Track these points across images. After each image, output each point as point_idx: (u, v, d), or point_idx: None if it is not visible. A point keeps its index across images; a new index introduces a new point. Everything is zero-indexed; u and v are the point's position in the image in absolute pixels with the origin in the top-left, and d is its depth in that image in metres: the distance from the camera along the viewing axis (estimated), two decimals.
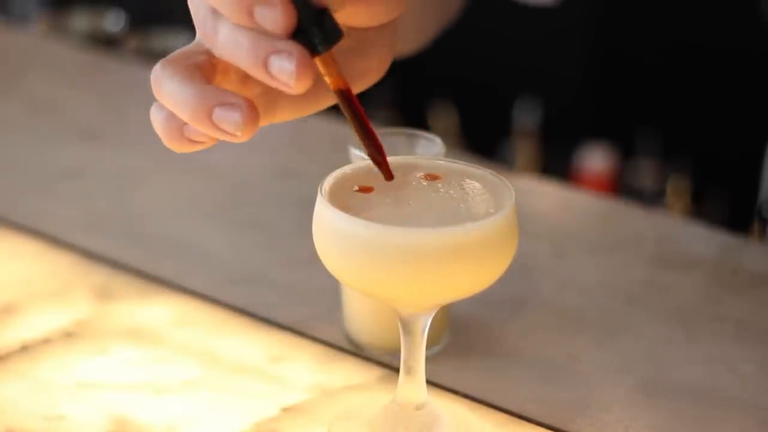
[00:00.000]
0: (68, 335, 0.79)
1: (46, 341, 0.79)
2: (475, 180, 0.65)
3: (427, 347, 0.71)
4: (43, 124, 1.17)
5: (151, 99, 0.58)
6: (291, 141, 1.12)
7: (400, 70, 0.65)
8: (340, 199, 0.62)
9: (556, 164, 1.98)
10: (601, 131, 1.96)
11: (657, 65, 1.86)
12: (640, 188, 1.92)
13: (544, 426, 0.72)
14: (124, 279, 0.87)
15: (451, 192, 0.64)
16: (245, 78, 0.60)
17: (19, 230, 0.94)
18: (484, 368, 0.77)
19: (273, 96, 0.60)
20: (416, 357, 0.67)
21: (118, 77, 1.31)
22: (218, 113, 0.56)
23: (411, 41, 0.97)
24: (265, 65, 0.55)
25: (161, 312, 0.83)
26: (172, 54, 0.58)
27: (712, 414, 0.73)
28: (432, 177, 0.65)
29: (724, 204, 1.82)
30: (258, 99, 0.60)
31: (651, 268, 0.90)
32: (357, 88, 0.62)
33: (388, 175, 0.62)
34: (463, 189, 0.64)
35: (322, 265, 0.64)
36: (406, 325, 0.66)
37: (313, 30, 0.55)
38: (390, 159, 0.62)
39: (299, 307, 0.83)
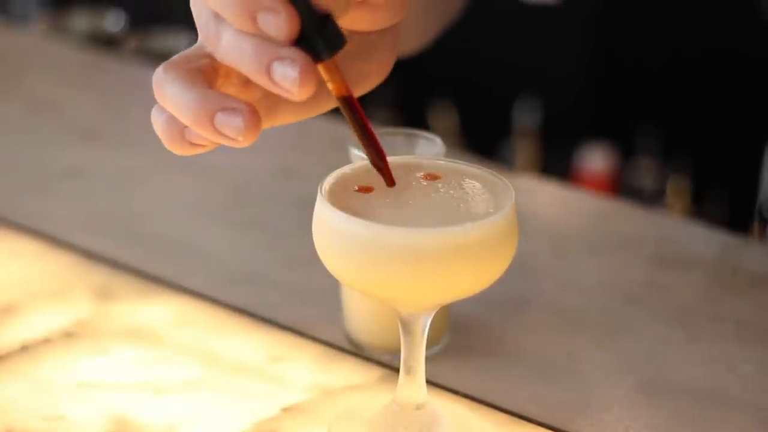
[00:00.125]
0: (68, 335, 0.79)
1: (46, 341, 0.79)
2: (475, 180, 0.65)
3: (427, 347, 0.71)
4: (43, 124, 1.17)
5: (151, 99, 0.58)
6: (291, 141, 1.12)
7: (400, 70, 0.65)
8: (340, 199, 0.62)
9: (556, 164, 1.98)
10: (601, 131, 1.96)
11: (657, 65, 1.86)
12: (640, 188, 1.92)
13: (544, 426, 0.72)
14: (124, 279, 0.87)
15: (451, 192, 0.64)
16: (247, 81, 0.59)
17: (19, 230, 0.94)
18: (484, 368, 0.77)
19: (274, 99, 0.60)
20: (416, 357, 0.67)
21: (118, 77, 1.31)
22: (220, 118, 0.56)
23: (412, 42, 0.97)
24: (268, 72, 0.55)
25: (161, 312, 0.83)
26: (174, 57, 0.58)
27: (712, 414, 0.73)
28: (432, 177, 0.65)
29: (724, 204, 1.82)
30: (259, 102, 0.60)
31: (651, 268, 0.90)
32: (359, 91, 0.62)
33: (390, 181, 0.62)
34: (463, 189, 0.64)
35: (322, 265, 0.64)
36: (406, 325, 0.66)
37: (316, 37, 0.55)
38: (390, 159, 0.62)
39: (299, 307, 0.83)
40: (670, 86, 1.85)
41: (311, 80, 0.55)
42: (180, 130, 0.58)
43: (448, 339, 0.80)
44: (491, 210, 0.62)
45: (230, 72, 0.59)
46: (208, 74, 0.58)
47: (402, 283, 0.61)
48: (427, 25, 0.98)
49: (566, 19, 1.93)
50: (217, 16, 0.56)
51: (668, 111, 1.89)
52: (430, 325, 0.67)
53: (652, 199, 1.87)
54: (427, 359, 0.71)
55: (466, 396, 0.74)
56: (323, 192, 0.63)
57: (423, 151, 0.75)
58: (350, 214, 0.61)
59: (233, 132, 0.56)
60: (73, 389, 0.74)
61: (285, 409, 0.72)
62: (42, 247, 0.91)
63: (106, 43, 1.85)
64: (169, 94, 0.57)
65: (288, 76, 0.55)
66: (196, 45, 0.59)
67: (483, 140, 2.02)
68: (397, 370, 0.72)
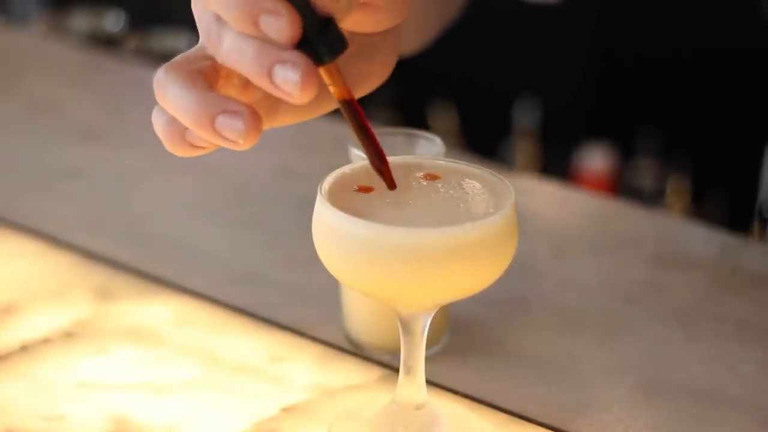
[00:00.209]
0: (68, 335, 0.79)
1: (46, 341, 0.79)
2: (475, 180, 0.65)
3: (427, 347, 0.71)
4: (43, 124, 1.17)
5: (151, 99, 0.58)
6: (291, 141, 1.12)
7: (400, 70, 0.65)
8: (339, 199, 0.62)
9: (555, 164, 1.98)
10: (601, 131, 1.96)
11: (657, 65, 1.86)
12: (640, 188, 1.92)
13: (544, 426, 0.72)
14: (124, 279, 0.87)
15: (451, 192, 0.64)
16: (247, 82, 0.59)
17: (19, 230, 0.94)
18: (484, 368, 0.77)
19: (275, 100, 0.60)
20: (416, 357, 0.67)
21: (118, 77, 1.31)
22: (221, 120, 0.56)
23: (413, 41, 0.97)
24: (270, 75, 0.55)
25: (161, 312, 0.83)
26: (175, 58, 0.58)
27: (712, 414, 0.73)
28: (432, 177, 0.65)
29: (724, 204, 1.83)
30: (260, 103, 0.60)
31: (651, 268, 0.90)
32: (360, 92, 0.62)
33: (391, 184, 0.62)
34: (463, 189, 0.64)
35: (322, 265, 0.64)
36: (406, 325, 0.66)
37: (318, 40, 0.55)
38: (390, 159, 0.62)
39: (299, 307, 0.83)
40: (670, 86, 1.85)
41: (313, 84, 0.55)
42: (181, 132, 0.58)
43: (447, 339, 0.80)
44: (491, 210, 0.62)
45: (231, 73, 0.59)
46: (209, 76, 0.58)
47: (401, 283, 0.61)
48: (427, 25, 0.98)
49: (566, 19, 1.93)
50: (218, 19, 0.56)
51: (668, 111, 1.89)
52: (430, 325, 0.67)
53: (652, 199, 1.88)
54: (427, 359, 0.71)
55: (466, 396, 0.74)
56: (323, 192, 0.63)
57: (423, 151, 0.75)
58: (350, 214, 0.61)
59: (234, 135, 0.56)
60: (73, 389, 0.74)
61: (285, 409, 0.72)
62: (42, 247, 0.91)
63: (106, 43, 1.85)
64: (170, 96, 0.56)
65: (289, 80, 0.54)
66: (197, 46, 0.59)
67: (483, 140, 2.02)
68: (396, 370, 0.72)
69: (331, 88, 0.58)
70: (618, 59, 1.91)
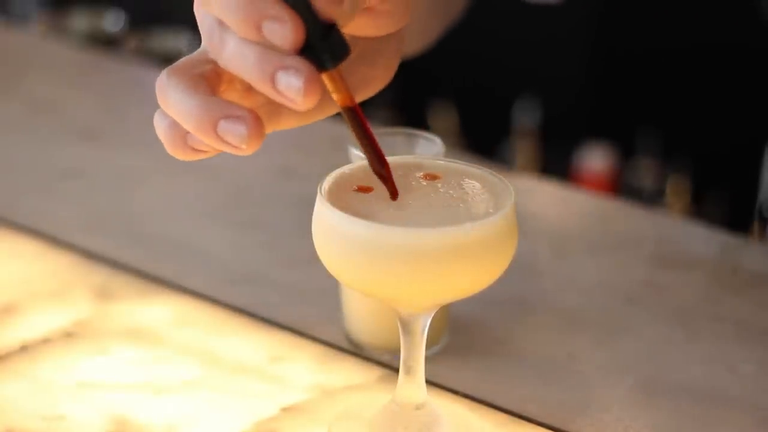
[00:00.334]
0: (68, 335, 0.79)
1: (46, 341, 0.79)
2: (475, 180, 0.65)
3: (427, 347, 0.71)
4: (43, 124, 1.17)
5: (151, 98, 0.58)
6: (291, 141, 1.12)
7: (400, 70, 0.65)
8: (339, 199, 0.62)
9: (555, 164, 1.98)
10: (601, 131, 1.96)
11: (657, 65, 1.86)
12: (640, 188, 1.92)
13: (544, 426, 0.72)
14: (124, 279, 0.87)
15: (451, 192, 0.64)
16: (250, 87, 0.59)
17: (19, 230, 0.94)
18: (484, 368, 0.77)
19: (277, 104, 0.60)
20: (416, 357, 0.67)
21: (118, 77, 1.31)
22: (223, 126, 0.55)
23: (415, 44, 0.97)
24: (272, 81, 0.54)
25: (161, 312, 0.83)
26: (177, 62, 0.58)
27: (712, 414, 0.73)
28: (432, 177, 0.65)
29: (724, 204, 1.83)
30: (262, 108, 0.60)
31: (651, 268, 0.90)
32: (362, 96, 0.62)
33: (393, 191, 0.62)
34: (463, 189, 0.64)
35: (322, 265, 0.64)
36: (406, 325, 0.66)
37: (320, 46, 0.55)
38: (390, 159, 0.62)
39: (299, 307, 0.83)
40: (670, 86, 1.85)
41: (316, 90, 0.54)
42: (182, 136, 0.58)
43: (447, 339, 0.80)
44: (491, 210, 0.62)
45: (233, 78, 0.59)
46: (211, 80, 0.57)
47: (401, 283, 0.61)
48: (430, 27, 0.98)
49: (566, 19, 1.93)
50: (221, 24, 0.56)
51: (668, 111, 1.89)
52: (430, 325, 0.67)
53: (652, 199, 1.88)
54: (427, 359, 0.71)
55: (465, 396, 0.74)
56: (323, 192, 0.63)
57: (423, 151, 0.75)
58: (350, 214, 0.61)
59: (236, 140, 0.56)
60: (73, 389, 0.74)
61: (285, 409, 0.72)
62: (42, 247, 0.91)
63: (106, 43, 1.85)
64: (172, 101, 0.56)
65: (292, 86, 0.54)
66: (200, 50, 0.59)
67: (483, 140, 2.02)
68: (396, 370, 0.72)
69: (334, 95, 0.58)
70: (618, 59, 1.91)
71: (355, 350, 0.79)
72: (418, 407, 0.68)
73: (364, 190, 0.64)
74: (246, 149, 0.56)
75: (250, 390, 0.74)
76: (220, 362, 0.77)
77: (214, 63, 0.58)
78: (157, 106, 0.58)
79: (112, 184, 1.04)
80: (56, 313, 0.82)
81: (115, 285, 0.86)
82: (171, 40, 1.90)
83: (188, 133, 0.57)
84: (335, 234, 0.61)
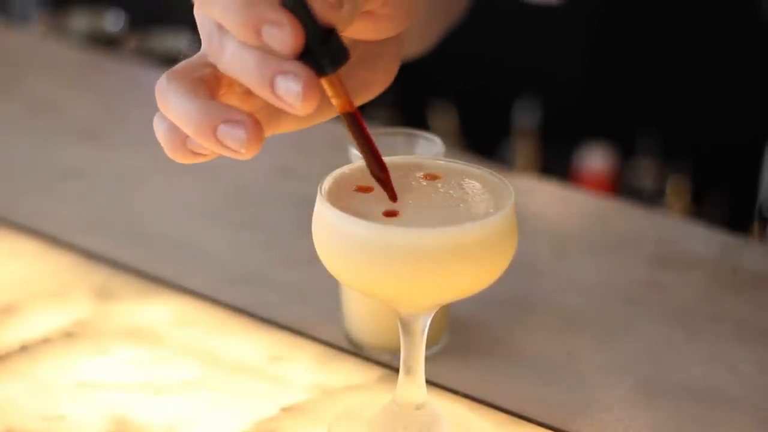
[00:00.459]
0: (68, 335, 0.79)
1: (46, 341, 0.79)
2: (475, 180, 0.65)
3: (427, 347, 0.71)
4: (43, 124, 1.17)
5: (151, 98, 0.58)
6: (291, 141, 1.12)
7: (400, 70, 0.65)
8: (339, 199, 0.62)
9: (555, 164, 1.98)
10: (601, 131, 1.96)
11: (657, 65, 1.86)
12: (640, 188, 1.92)
13: (544, 426, 0.72)
14: (124, 279, 0.87)
15: (451, 192, 0.64)
16: (249, 90, 0.59)
17: (19, 230, 0.94)
18: (484, 368, 0.77)
19: (276, 108, 0.60)
20: (416, 357, 0.67)
21: (118, 77, 1.31)
22: (223, 130, 0.55)
23: (415, 46, 0.97)
24: (271, 85, 0.54)
25: (161, 312, 0.83)
26: (177, 66, 0.58)
27: (712, 414, 0.73)
28: (432, 177, 0.65)
29: (724, 204, 1.82)
30: (261, 111, 0.60)
31: (651, 268, 0.90)
32: (362, 100, 0.62)
33: (393, 195, 0.62)
34: (463, 189, 0.64)
35: (322, 265, 0.64)
36: (406, 325, 0.66)
37: (320, 51, 0.55)
38: (390, 158, 0.62)
39: (299, 307, 0.83)
40: (670, 86, 1.85)
41: (314, 95, 0.54)
42: (182, 140, 0.58)
43: (447, 339, 0.80)
44: (491, 210, 0.62)
45: (233, 81, 0.59)
46: (210, 84, 0.57)
47: (401, 283, 0.61)
48: (430, 30, 0.98)
49: (566, 20, 1.93)
50: (220, 28, 0.56)
51: (668, 111, 1.89)
52: (430, 325, 0.67)
53: (652, 199, 1.88)
54: (427, 359, 0.71)
55: (465, 396, 0.74)
56: (323, 192, 0.63)
57: (423, 151, 0.75)
58: (350, 214, 0.61)
59: (236, 144, 0.56)
60: (73, 389, 0.74)
61: (285, 409, 0.72)
62: (42, 247, 0.91)
63: (106, 43, 1.85)
64: (172, 105, 0.56)
65: (291, 91, 0.54)
66: (199, 53, 0.59)
67: (483, 140, 2.02)
68: (396, 370, 0.72)
69: (333, 100, 0.58)
70: (618, 60, 1.91)
71: (355, 350, 0.79)
72: (418, 407, 0.68)
73: (364, 190, 0.64)
74: (245, 153, 0.56)
75: (250, 390, 0.74)
76: (220, 362, 0.77)
77: (214, 67, 0.58)
78: (157, 107, 0.58)
79: (112, 184, 1.04)
80: (56, 313, 0.82)
81: (115, 285, 0.86)
82: (171, 40, 1.90)
83: (188, 136, 0.57)
84: (335, 234, 0.61)
